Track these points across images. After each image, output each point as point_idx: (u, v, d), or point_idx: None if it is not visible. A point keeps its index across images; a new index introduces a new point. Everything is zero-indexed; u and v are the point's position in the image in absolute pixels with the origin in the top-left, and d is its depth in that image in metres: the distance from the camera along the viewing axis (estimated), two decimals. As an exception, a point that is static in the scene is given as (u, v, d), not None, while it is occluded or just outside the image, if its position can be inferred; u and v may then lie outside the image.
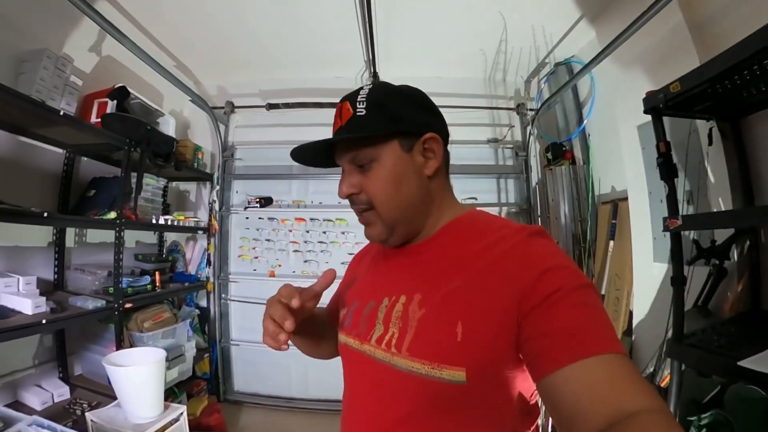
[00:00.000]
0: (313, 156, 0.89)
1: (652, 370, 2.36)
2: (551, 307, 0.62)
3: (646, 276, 2.60)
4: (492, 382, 0.69)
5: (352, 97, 0.81)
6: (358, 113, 0.79)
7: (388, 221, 0.81)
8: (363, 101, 0.80)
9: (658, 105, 1.77)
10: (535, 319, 0.63)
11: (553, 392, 0.58)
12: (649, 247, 2.57)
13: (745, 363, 1.33)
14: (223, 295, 3.72)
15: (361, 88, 0.82)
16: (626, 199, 2.80)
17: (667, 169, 1.83)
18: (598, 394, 0.54)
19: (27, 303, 2.01)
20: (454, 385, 0.67)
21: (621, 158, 2.81)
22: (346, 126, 0.80)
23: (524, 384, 0.71)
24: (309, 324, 0.93)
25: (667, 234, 1.92)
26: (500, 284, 0.68)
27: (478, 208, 0.91)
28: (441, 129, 0.85)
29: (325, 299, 0.95)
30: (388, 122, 0.79)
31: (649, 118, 1.89)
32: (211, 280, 3.60)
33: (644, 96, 1.88)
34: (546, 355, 0.60)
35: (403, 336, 0.74)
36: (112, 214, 2.44)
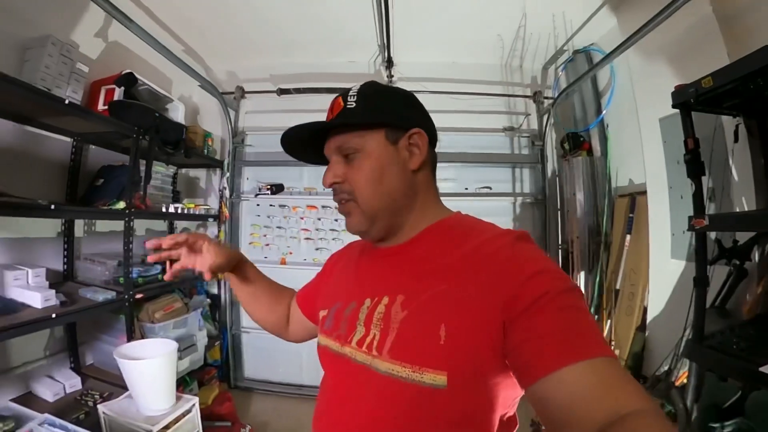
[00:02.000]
0: (301, 147, 0.90)
1: (667, 368, 2.32)
2: (538, 312, 0.61)
3: (662, 272, 2.55)
4: (473, 388, 0.67)
5: (344, 93, 0.83)
6: (348, 105, 0.81)
7: (368, 212, 0.81)
8: (354, 95, 0.82)
9: (688, 99, 1.70)
10: (523, 324, 0.62)
11: (544, 397, 0.57)
12: (667, 244, 2.52)
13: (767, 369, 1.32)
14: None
15: (350, 88, 0.84)
16: (645, 193, 2.73)
17: (694, 166, 1.79)
18: (591, 397, 0.53)
19: (36, 296, 1.95)
20: (434, 390, 0.66)
21: (641, 151, 2.74)
22: (336, 117, 0.82)
23: (506, 392, 0.69)
24: (253, 292, 1.14)
25: (686, 231, 1.88)
26: (485, 288, 0.67)
27: (463, 213, 0.90)
28: (428, 128, 0.86)
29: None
30: (375, 113, 0.81)
31: (672, 111, 1.84)
32: (222, 267, 3.51)
33: (672, 89, 1.80)
34: (536, 360, 0.59)
35: (384, 338, 0.72)
36: (121, 204, 2.36)
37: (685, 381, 2.07)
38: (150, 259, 1.08)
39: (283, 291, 1.19)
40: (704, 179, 2.08)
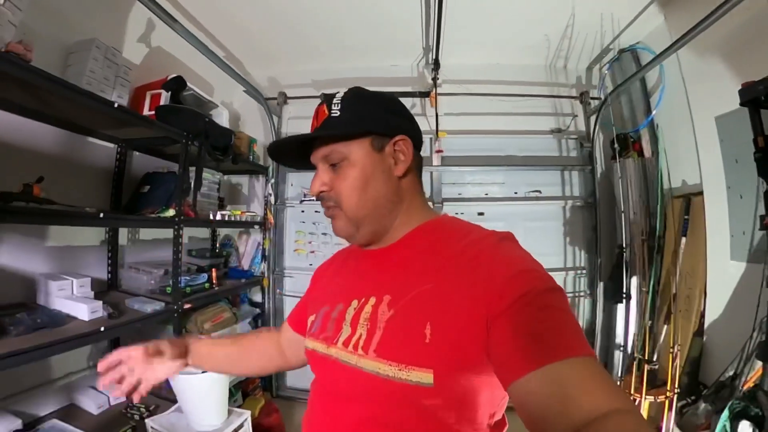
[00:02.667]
0: (290, 156, 0.89)
1: (732, 373, 2.09)
2: (520, 311, 0.59)
3: (721, 275, 2.34)
4: (460, 387, 0.64)
5: (328, 100, 0.82)
6: (332, 114, 0.79)
7: (353, 219, 0.79)
8: (338, 103, 0.80)
9: (758, 97, 1.64)
10: (504, 323, 0.60)
11: (523, 395, 0.55)
12: (726, 245, 2.31)
13: None
14: (277, 290, 3.44)
15: (338, 92, 0.82)
16: (700, 193, 2.51)
17: (765, 165, 1.72)
18: (569, 396, 0.51)
19: (83, 308, 1.74)
20: (420, 388, 0.63)
21: (695, 151, 2.53)
22: (321, 126, 0.80)
23: (493, 391, 0.66)
24: (210, 347, 1.07)
25: (747, 232, 1.89)
26: (469, 287, 0.65)
27: (450, 215, 0.89)
28: (413, 133, 0.85)
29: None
30: (359, 122, 0.79)
31: (729, 108, 1.85)
32: (266, 275, 3.33)
33: (729, 87, 1.79)
34: (516, 359, 0.57)
35: (370, 337, 0.70)
36: (171, 212, 2.15)
37: (752, 385, 1.87)
38: (103, 383, 0.97)
39: (260, 334, 1.16)
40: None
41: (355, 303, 0.77)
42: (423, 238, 0.80)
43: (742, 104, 1.71)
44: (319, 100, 2.47)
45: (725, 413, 1.71)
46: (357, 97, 0.82)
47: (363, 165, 0.78)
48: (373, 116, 0.80)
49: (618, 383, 2.59)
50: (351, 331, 0.73)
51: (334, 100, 0.80)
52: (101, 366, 0.95)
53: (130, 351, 0.97)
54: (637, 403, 2.34)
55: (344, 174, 0.78)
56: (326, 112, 0.80)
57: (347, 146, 0.78)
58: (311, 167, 0.85)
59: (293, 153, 0.86)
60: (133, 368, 0.96)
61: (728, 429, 1.66)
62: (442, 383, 0.63)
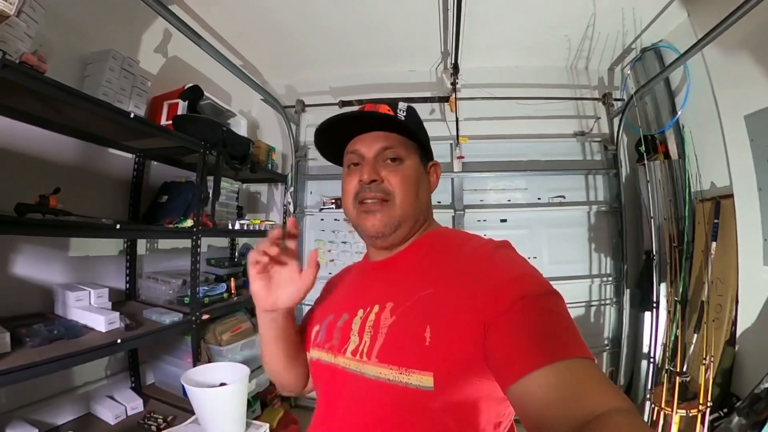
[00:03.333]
0: (333, 138, 0.87)
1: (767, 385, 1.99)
2: (516, 314, 0.60)
3: (754, 281, 2.26)
4: (460, 391, 0.65)
5: (391, 103, 0.85)
6: (399, 116, 0.83)
7: (401, 215, 0.81)
8: (404, 111, 0.85)
9: None
10: (501, 326, 0.60)
11: (522, 397, 0.55)
12: (759, 250, 2.23)
13: None
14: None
15: (398, 102, 0.86)
16: (731, 196, 2.42)
17: None
18: (567, 397, 0.52)
19: (100, 319, 1.71)
20: (421, 391, 0.64)
21: (723, 152, 2.44)
22: (390, 116, 0.81)
23: (498, 402, 0.67)
24: (286, 339, 0.90)
25: None
26: (468, 292, 0.66)
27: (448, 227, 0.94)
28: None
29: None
30: (421, 135, 0.86)
31: (759, 106, 1.83)
32: (286, 284, 3.26)
33: (760, 84, 1.84)
34: (513, 361, 0.57)
35: (373, 343, 0.71)
36: (189, 222, 2.13)
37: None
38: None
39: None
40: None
41: (360, 312, 0.78)
42: (424, 247, 0.83)
43: None
44: (336, 107, 2.48)
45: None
46: (416, 113, 0.90)
47: (415, 171, 0.84)
48: (425, 137, 0.90)
49: (648, 395, 2.48)
50: (358, 341, 0.74)
51: (400, 106, 0.85)
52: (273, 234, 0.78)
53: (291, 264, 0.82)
54: (667, 418, 2.22)
55: (402, 171, 0.82)
56: (390, 111, 0.82)
57: (407, 149, 0.83)
58: (339, 157, 0.90)
59: (339, 134, 0.86)
60: (281, 270, 0.81)
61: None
62: (442, 387, 0.63)
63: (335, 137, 0.86)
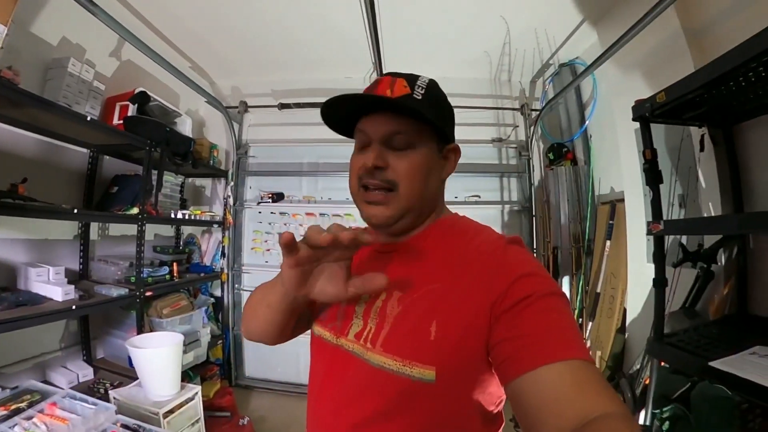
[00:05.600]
0: (341, 112, 0.85)
1: (638, 366, 2.48)
2: (521, 312, 0.65)
3: (639, 276, 2.70)
4: (461, 385, 0.71)
5: (410, 78, 0.82)
6: (415, 95, 0.79)
7: (405, 206, 0.81)
8: (422, 87, 0.81)
9: (644, 114, 1.85)
10: (505, 323, 0.65)
11: (520, 395, 0.60)
12: (643, 248, 2.66)
13: (715, 363, 1.43)
14: (236, 285, 3.95)
15: (418, 76, 0.83)
16: (624, 200, 2.88)
17: (652, 175, 1.92)
18: (564, 397, 0.56)
19: (57, 290, 2.22)
20: (422, 384, 0.69)
21: (620, 160, 2.91)
22: (399, 99, 0.79)
23: (492, 389, 0.74)
24: (292, 314, 0.85)
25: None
26: (476, 289, 0.70)
27: (460, 214, 0.94)
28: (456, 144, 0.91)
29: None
30: (439, 118, 0.82)
31: None
32: (225, 271, 3.83)
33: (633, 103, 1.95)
34: (514, 358, 0.62)
35: (379, 331, 0.76)
36: (135, 210, 2.66)
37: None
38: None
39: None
40: (673, 186, 2.29)
41: (365, 296, 0.81)
42: (435, 237, 0.85)
43: (634, 119, 1.94)
44: (276, 109, 3.00)
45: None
46: (437, 90, 0.85)
47: (427, 158, 0.82)
48: (446, 116, 0.86)
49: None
50: (363, 325, 0.79)
51: (419, 82, 0.81)
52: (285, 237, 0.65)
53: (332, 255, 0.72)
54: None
55: (410, 159, 0.80)
56: (407, 88, 0.79)
57: (419, 134, 0.81)
58: (344, 130, 0.89)
59: (346, 112, 0.84)
60: (320, 263, 0.72)
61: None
62: (444, 381, 0.68)
63: (348, 111, 0.84)
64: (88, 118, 2.30)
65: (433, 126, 0.81)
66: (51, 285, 2.26)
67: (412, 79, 0.82)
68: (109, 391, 2.35)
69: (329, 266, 0.72)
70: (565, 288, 3.31)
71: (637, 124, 2.45)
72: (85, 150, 2.82)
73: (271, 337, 0.93)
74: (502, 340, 0.65)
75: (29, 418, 1.80)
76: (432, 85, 0.84)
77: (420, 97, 0.79)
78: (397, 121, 0.79)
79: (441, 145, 0.86)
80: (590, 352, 2.77)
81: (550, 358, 0.59)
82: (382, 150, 0.80)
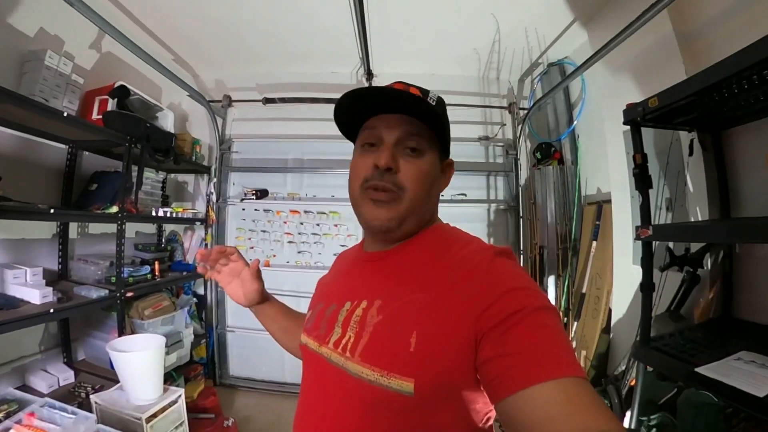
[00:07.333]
0: (356, 107, 0.85)
1: (623, 368, 2.50)
2: (511, 328, 0.62)
3: (625, 277, 2.72)
4: (441, 400, 0.68)
5: (422, 89, 0.84)
6: (429, 102, 0.81)
7: (409, 211, 0.81)
8: (434, 99, 0.83)
9: (636, 118, 1.85)
10: (494, 340, 0.63)
11: (512, 414, 0.58)
12: (629, 250, 2.68)
13: (701, 369, 1.43)
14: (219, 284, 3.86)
15: (429, 90, 0.85)
16: (611, 201, 2.89)
17: (642, 180, 1.92)
18: (557, 416, 0.54)
19: (35, 293, 2.15)
20: (400, 396, 0.67)
21: (607, 161, 2.92)
22: (422, 103, 0.80)
23: (477, 407, 0.71)
24: (276, 321, 1.15)
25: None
26: (461, 302, 0.69)
27: (450, 224, 0.94)
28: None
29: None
30: (446, 130, 0.86)
31: None
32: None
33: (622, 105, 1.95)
34: (505, 377, 0.60)
35: (357, 340, 0.75)
36: (114, 209, 2.57)
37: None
38: (199, 270, 1.11)
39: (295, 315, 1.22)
40: (661, 190, 2.29)
41: (347, 305, 0.82)
42: (421, 246, 0.84)
43: (625, 123, 1.94)
44: (261, 104, 2.93)
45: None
46: (444, 104, 0.88)
47: (432, 166, 0.83)
48: (448, 129, 0.88)
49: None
50: (342, 333, 0.79)
51: (430, 94, 0.83)
52: (200, 254, 1.07)
53: (235, 255, 1.11)
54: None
55: (419, 165, 0.81)
56: (420, 95, 0.81)
57: (429, 142, 0.83)
58: (349, 133, 0.92)
59: (359, 107, 0.85)
60: (230, 266, 1.10)
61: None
62: (423, 394, 0.66)
63: (355, 109, 0.85)
64: (65, 114, 2.21)
65: (440, 136, 0.84)
66: (28, 287, 2.19)
67: (424, 90, 0.83)
68: (91, 396, 2.28)
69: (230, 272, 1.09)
70: (551, 287, 3.32)
71: (626, 127, 2.48)
72: (63, 146, 2.73)
73: (285, 346, 1.16)
74: (491, 358, 0.63)
75: (6, 429, 1.75)
76: (441, 99, 0.86)
77: (433, 106, 0.80)
78: (411, 122, 0.81)
79: (442, 157, 0.88)
80: (578, 355, 2.83)
81: (542, 377, 0.57)
82: (396, 153, 0.81)
